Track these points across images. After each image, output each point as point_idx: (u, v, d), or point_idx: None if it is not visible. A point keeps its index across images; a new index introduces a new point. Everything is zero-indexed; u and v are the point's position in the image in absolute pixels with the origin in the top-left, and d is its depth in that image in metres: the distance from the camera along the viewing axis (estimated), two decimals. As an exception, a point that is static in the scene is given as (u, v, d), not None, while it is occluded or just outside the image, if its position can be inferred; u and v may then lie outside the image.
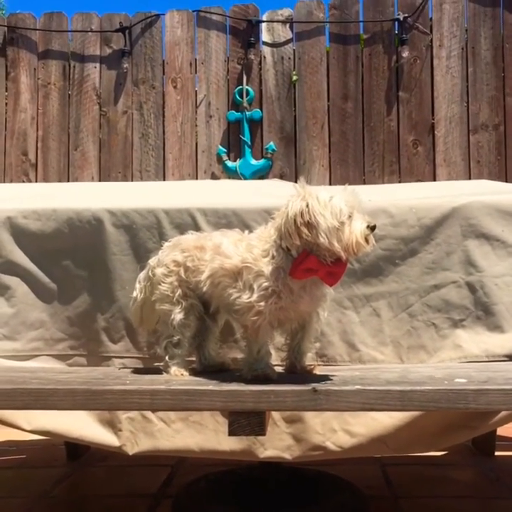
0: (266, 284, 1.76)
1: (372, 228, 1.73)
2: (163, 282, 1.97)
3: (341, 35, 4.48)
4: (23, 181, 4.56)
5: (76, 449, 3.07)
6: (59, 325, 2.31)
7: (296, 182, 4.32)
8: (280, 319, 1.82)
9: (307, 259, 1.73)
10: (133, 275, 2.21)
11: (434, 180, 4.32)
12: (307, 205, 1.72)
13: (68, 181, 4.56)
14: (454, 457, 2.97)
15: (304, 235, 1.71)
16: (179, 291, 1.95)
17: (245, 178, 4.40)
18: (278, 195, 2.15)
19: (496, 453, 2.98)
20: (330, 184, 4.40)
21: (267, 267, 1.77)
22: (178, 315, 1.93)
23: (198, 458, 2.34)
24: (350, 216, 1.71)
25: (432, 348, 2.19)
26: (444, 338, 2.19)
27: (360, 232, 1.71)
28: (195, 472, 2.66)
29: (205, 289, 1.91)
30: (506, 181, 4.24)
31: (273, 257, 1.77)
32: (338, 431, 2.14)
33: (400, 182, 4.35)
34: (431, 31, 4.40)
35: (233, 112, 4.51)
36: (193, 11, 4.61)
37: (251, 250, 1.82)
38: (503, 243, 2.21)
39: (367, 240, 1.73)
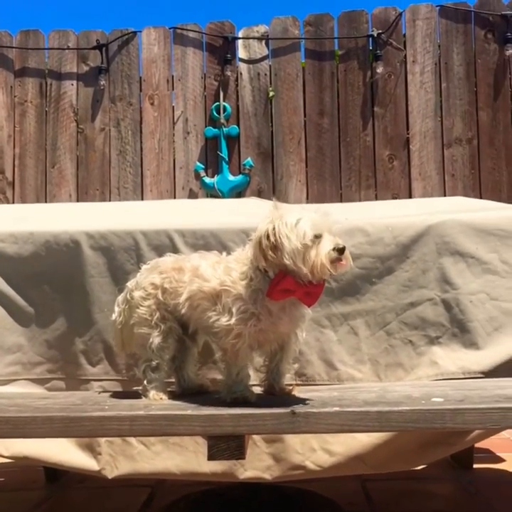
0: (244, 306, 1.77)
1: (339, 250, 1.71)
2: (141, 305, 1.97)
3: (316, 51, 4.53)
4: (0, 199, 4.54)
5: (54, 471, 3.04)
6: (37, 348, 2.29)
7: (273, 197, 4.40)
8: (260, 341, 1.83)
9: (284, 280, 1.74)
10: (111, 297, 2.21)
11: (410, 193, 4.37)
12: (274, 228, 1.73)
13: (46, 199, 4.55)
14: (433, 471, 2.98)
15: (269, 257, 1.73)
16: (157, 315, 1.95)
17: (223, 194, 4.41)
18: (256, 214, 2.16)
19: (474, 465, 3.00)
20: (307, 199, 4.44)
21: (245, 289, 1.78)
22: (156, 338, 1.92)
23: (178, 478, 2.33)
24: (318, 238, 1.72)
25: (409, 365, 2.21)
26: (421, 355, 2.21)
27: (325, 255, 1.70)
28: (175, 493, 2.65)
29: (183, 311, 1.92)
30: (480, 194, 4.31)
31: (251, 279, 1.78)
32: (317, 450, 2.14)
33: (376, 196, 4.40)
34: (404, 47, 4.46)
35: (210, 128, 4.53)
36: (170, 28, 4.64)
37: (229, 273, 1.83)
38: (478, 260, 2.24)
39: (336, 261, 1.72)
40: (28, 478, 3.16)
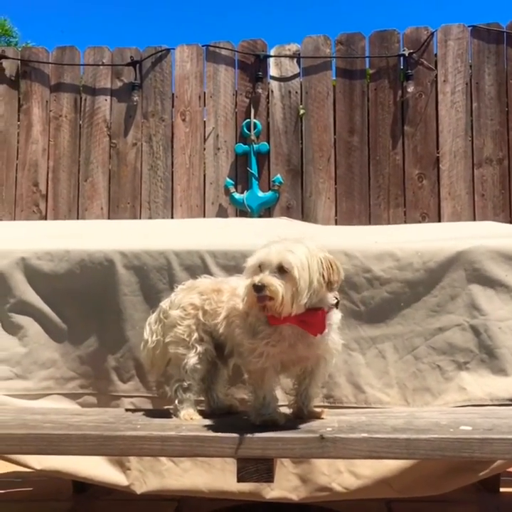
0: (262, 327, 1.82)
1: (256, 288, 1.72)
2: (180, 325, 2.01)
3: (347, 70, 4.55)
4: (34, 212, 4.63)
5: (82, 483, 3.09)
6: (70, 364, 2.35)
7: (302, 214, 4.43)
8: (283, 363, 1.87)
9: None
10: (143, 315, 2.26)
11: (439, 212, 4.36)
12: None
13: (78, 212, 4.62)
14: (458, 494, 2.95)
15: None
16: (196, 335, 1.99)
17: (252, 210, 4.45)
18: (285, 236, 2.19)
19: (501, 489, 2.97)
20: (335, 216, 4.45)
21: (261, 311, 1.82)
22: (191, 359, 1.96)
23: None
24: (259, 271, 1.75)
25: (436, 390, 2.22)
26: (449, 380, 2.22)
27: (244, 290, 1.77)
28: (201, 507, 2.67)
29: (221, 330, 1.97)
30: (510, 215, 4.29)
31: None
32: (343, 472, 2.17)
33: (405, 214, 4.40)
34: (436, 67, 4.46)
35: (241, 144, 4.57)
36: (203, 46, 4.69)
37: None
38: (507, 287, 2.25)
39: (257, 299, 1.73)
40: (56, 488, 3.20)
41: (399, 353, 2.26)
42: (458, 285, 2.26)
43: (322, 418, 1.94)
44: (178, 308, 2.02)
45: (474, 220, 4.28)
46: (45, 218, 4.64)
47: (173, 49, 4.72)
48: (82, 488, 3.11)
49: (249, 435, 1.70)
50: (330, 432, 1.71)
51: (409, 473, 2.10)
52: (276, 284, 1.71)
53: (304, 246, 1.78)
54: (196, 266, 2.31)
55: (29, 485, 3.27)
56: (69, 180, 4.69)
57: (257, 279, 1.72)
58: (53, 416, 2.04)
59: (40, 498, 3.10)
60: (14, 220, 4.59)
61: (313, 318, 1.78)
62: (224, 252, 2.33)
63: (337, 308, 1.85)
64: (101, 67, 4.73)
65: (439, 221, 4.33)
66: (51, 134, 4.73)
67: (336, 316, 1.86)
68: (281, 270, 1.73)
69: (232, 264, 2.30)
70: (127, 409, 2.25)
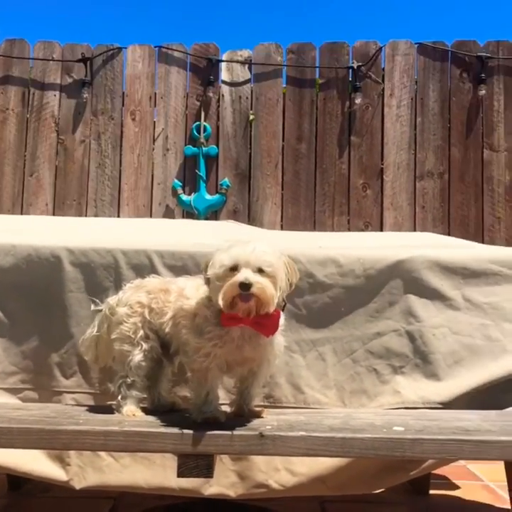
0: (210, 328, 1.85)
1: (243, 286, 1.73)
2: (126, 322, 2.03)
3: (298, 78, 4.64)
4: (-24, 205, 4.55)
5: (18, 480, 3.05)
6: (12, 359, 2.33)
7: (249, 218, 4.49)
8: (228, 363, 1.90)
9: None
10: (88, 312, 2.27)
11: (381, 222, 4.48)
12: (207, 261, 1.84)
13: (22, 207, 4.57)
14: (390, 495, 3.05)
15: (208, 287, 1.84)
16: (141, 333, 2.01)
17: (199, 212, 4.48)
18: (233, 238, 2.24)
19: (431, 491, 3.08)
20: (281, 221, 4.53)
21: (210, 312, 1.87)
22: (136, 356, 1.99)
23: (143, 492, 2.38)
24: (233, 271, 1.76)
25: (372, 392, 2.30)
26: (385, 383, 2.30)
27: (226, 289, 1.74)
28: (138, 505, 2.68)
29: (167, 329, 1.99)
30: (448, 227, 4.45)
31: (212, 304, 1.86)
32: (281, 470, 2.22)
33: (349, 223, 4.51)
34: (383, 80, 4.59)
35: (190, 146, 4.60)
36: (155, 47, 4.71)
37: (205, 295, 1.92)
38: (442, 296, 2.34)
39: (240, 297, 1.74)
40: (-10, 486, 3.15)
41: (338, 356, 2.33)
42: (396, 292, 2.35)
43: (262, 417, 1.99)
44: (125, 306, 2.04)
45: (414, 230, 4.42)
46: (-12, 212, 4.57)
47: (125, 48, 4.73)
48: (18, 485, 3.07)
49: (190, 431, 1.74)
50: (269, 430, 1.76)
51: (344, 472, 2.17)
52: (263, 282, 1.73)
53: (272, 248, 1.81)
54: (143, 265, 2.33)
55: (-38, 483, 3.21)
56: (14, 175, 4.63)
57: (242, 277, 1.72)
58: (-6, 410, 2.03)
59: (-26, 496, 3.05)
60: (-45, 213, 4.50)
61: (268, 320, 1.80)
62: (171, 252, 2.35)
63: (283, 310, 1.90)
64: (51, 62, 4.70)
65: (381, 230, 4.46)
66: (-3, 127, 4.66)
67: (281, 319, 1.90)
68: (260, 270, 1.75)
69: (179, 264, 2.34)
70: (69, 405, 2.26)
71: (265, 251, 1.78)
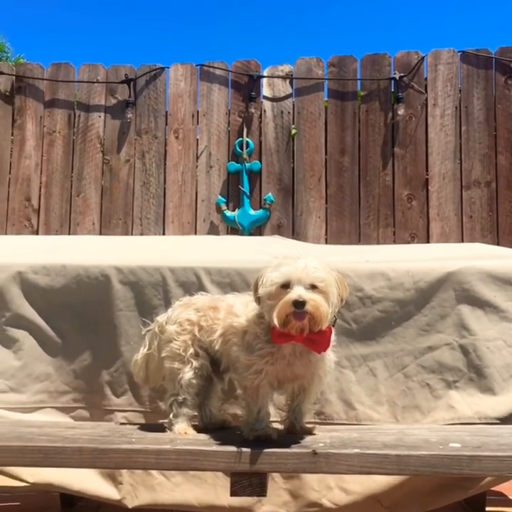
0: (261, 345, 1.84)
1: (296, 304, 1.70)
2: (175, 340, 2.04)
3: (339, 91, 4.62)
4: (25, 226, 4.64)
5: (71, 497, 3.08)
6: (64, 378, 2.37)
7: (293, 233, 4.48)
8: (279, 380, 1.89)
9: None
10: (138, 331, 2.29)
11: (428, 233, 4.41)
12: (257, 279, 1.82)
13: (70, 226, 4.64)
14: (445, 512, 2.99)
15: (258, 304, 1.83)
16: (191, 350, 2.02)
17: (243, 228, 4.49)
18: (279, 254, 2.23)
19: (487, 508, 3.00)
20: (326, 235, 4.50)
21: (261, 329, 1.85)
22: (187, 374, 1.99)
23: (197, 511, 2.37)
24: (284, 288, 1.74)
25: (426, 408, 2.26)
26: (438, 398, 2.26)
27: (279, 307, 1.72)
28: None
29: (217, 347, 1.99)
30: (497, 236, 4.36)
31: (266, 320, 1.85)
32: (333, 488, 2.19)
33: (394, 234, 4.45)
34: (426, 90, 4.54)
35: (233, 162, 4.61)
36: (197, 65, 4.75)
37: (254, 311, 1.91)
38: (495, 308, 2.29)
39: (293, 315, 1.71)
40: (44, 503, 3.18)
41: (389, 371, 2.29)
42: (447, 305, 2.31)
43: (314, 434, 1.97)
44: (175, 324, 2.05)
45: (462, 241, 4.34)
46: (37, 233, 4.65)
47: (168, 68, 4.77)
48: (71, 503, 3.10)
49: (242, 449, 1.73)
50: (322, 447, 1.74)
51: (398, 490, 2.13)
52: (317, 299, 1.72)
53: (324, 263, 1.79)
54: (191, 282, 2.35)
55: (17, 500, 3.25)
56: (61, 196, 4.70)
57: (295, 294, 1.70)
58: (48, 429, 2.05)
59: (27, 514, 3.08)
60: (6, 234, 4.60)
61: (320, 337, 1.78)
62: (219, 269, 2.36)
63: (333, 326, 1.88)
64: (95, 84, 4.77)
65: (428, 242, 4.39)
66: (44, 150, 4.75)
67: (332, 335, 1.88)
68: (313, 287, 1.74)
69: (226, 281, 2.34)
70: (121, 423, 2.27)
71: (316, 267, 1.76)
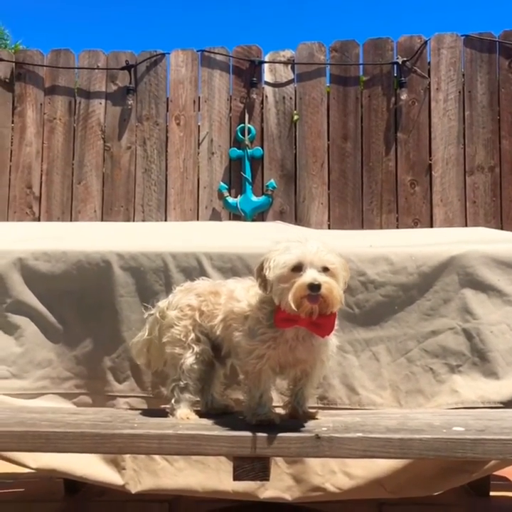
0: (262, 329, 1.83)
1: (312, 287, 1.68)
2: (176, 325, 2.03)
3: (341, 76, 4.59)
4: (27, 213, 4.63)
5: (74, 483, 3.08)
6: (66, 364, 2.36)
7: (295, 219, 4.46)
8: (281, 364, 1.88)
9: (280, 310, 1.77)
10: (139, 316, 2.28)
11: (431, 219, 4.40)
12: (262, 263, 1.79)
13: (71, 214, 4.63)
14: (448, 497, 2.97)
15: (262, 289, 1.80)
16: (192, 335, 2.01)
17: (246, 214, 4.47)
18: (281, 238, 2.21)
19: (491, 493, 3.00)
20: (328, 221, 4.48)
21: (263, 314, 1.84)
22: (188, 359, 1.98)
23: (198, 496, 2.37)
24: (296, 271, 1.71)
25: (429, 392, 2.25)
26: (441, 383, 2.25)
27: (294, 290, 1.69)
28: (193, 509, 2.68)
29: (218, 332, 1.99)
30: (501, 221, 4.34)
31: (266, 305, 1.84)
32: (337, 472, 2.19)
33: (397, 220, 4.44)
34: (429, 75, 4.51)
35: (235, 149, 4.59)
36: (198, 51, 4.72)
37: (256, 296, 1.90)
38: (499, 292, 2.28)
39: (309, 298, 1.69)
40: (48, 489, 3.19)
41: (392, 356, 2.28)
42: (451, 289, 2.29)
43: (317, 418, 1.96)
44: (176, 309, 2.04)
45: (466, 226, 4.32)
46: (38, 220, 4.65)
47: (168, 54, 4.74)
48: (74, 489, 3.11)
49: (245, 434, 1.72)
50: (325, 431, 1.73)
51: (402, 474, 2.13)
52: (331, 282, 1.70)
53: (328, 247, 1.77)
54: (192, 268, 2.33)
55: (21, 486, 3.26)
56: (62, 183, 4.70)
57: (310, 277, 1.68)
58: (50, 414, 2.05)
59: (31, 499, 3.09)
60: (7, 221, 4.59)
61: (325, 321, 1.77)
62: (220, 254, 2.35)
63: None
64: (96, 70, 4.75)
65: (431, 227, 4.37)
66: (45, 137, 4.74)
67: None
68: (325, 269, 1.72)
69: (228, 266, 2.33)
70: (123, 409, 2.27)
71: (327, 249, 1.75)
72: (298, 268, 1.72)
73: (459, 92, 4.48)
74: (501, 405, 2.17)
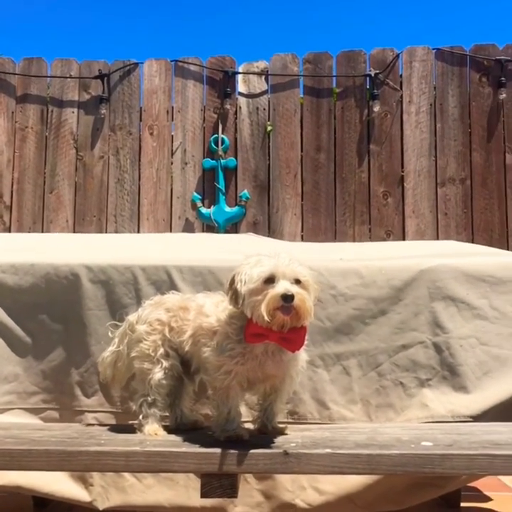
0: (231, 345, 1.81)
1: (285, 298, 1.68)
2: (145, 340, 2.00)
3: (315, 88, 4.62)
4: (-3, 223, 4.57)
5: (43, 498, 3.04)
6: (33, 378, 2.32)
7: (269, 230, 4.46)
8: (249, 380, 1.86)
9: (251, 324, 1.77)
10: (108, 330, 2.24)
11: (404, 230, 4.43)
12: (233, 277, 1.78)
13: (43, 224, 4.59)
14: (420, 509, 2.99)
15: (233, 304, 1.79)
16: (161, 350, 1.99)
17: (219, 225, 4.46)
18: (252, 252, 2.20)
19: (462, 504, 3.01)
20: (302, 232, 4.49)
21: (232, 329, 1.83)
22: (156, 374, 1.96)
23: (168, 512, 2.34)
24: (268, 283, 1.71)
25: (399, 406, 2.25)
26: (412, 397, 2.25)
27: (267, 302, 1.68)
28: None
29: (187, 348, 1.96)
30: (472, 233, 4.38)
31: (234, 321, 1.83)
32: (307, 488, 2.17)
33: (370, 231, 4.46)
34: (401, 87, 4.55)
35: (208, 159, 4.59)
36: (171, 61, 4.71)
37: (224, 312, 1.88)
38: (468, 305, 2.29)
39: (282, 309, 1.69)
40: (16, 504, 3.13)
41: (363, 370, 2.28)
42: (421, 303, 2.30)
43: (286, 434, 1.95)
44: (145, 324, 2.02)
45: (437, 238, 4.36)
46: (9, 230, 4.60)
47: (142, 63, 4.74)
48: (43, 503, 3.05)
49: (213, 450, 1.71)
50: (294, 447, 1.72)
51: (372, 489, 2.12)
52: (304, 294, 1.70)
53: (301, 261, 1.78)
54: (162, 281, 2.31)
55: (-12, 501, 3.21)
56: (34, 192, 4.65)
57: (283, 288, 1.68)
58: (15, 431, 2.01)
59: (-1, 514, 3.04)
60: (-23, 231, 4.53)
61: (295, 335, 1.76)
62: (190, 267, 2.33)
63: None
64: (68, 79, 4.72)
65: (404, 238, 4.40)
66: (17, 145, 4.70)
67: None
68: (297, 281, 1.72)
69: (198, 279, 2.31)
70: (91, 425, 2.23)
71: (299, 262, 1.75)
72: (270, 280, 1.72)
73: (431, 104, 4.52)
74: (471, 419, 2.17)
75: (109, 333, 2.18)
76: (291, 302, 1.68)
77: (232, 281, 1.79)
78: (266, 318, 1.68)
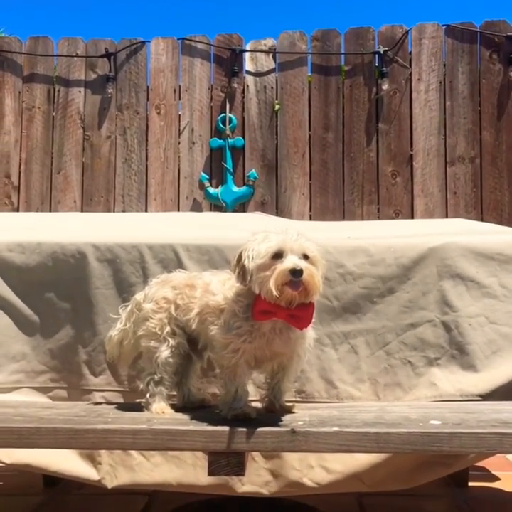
0: (238, 323, 1.80)
1: (294, 272, 1.66)
2: (152, 318, 2.00)
3: (323, 66, 4.56)
4: (5, 203, 4.57)
5: (53, 477, 3.06)
6: (41, 357, 2.33)
7: (277, 210, 4.44)
8: (257, 358, 1.86)
9: (259, 301, 1.76)
10: (115, 309, 2.24)
11: (412, 210, 4.39)
12: (241, 253, 1.77)
13: (50, 204, 4.58)
14: (428, 488, 2.98)
15: (240, 281, 1.77)
16: (168, 329, 1.98)
17: (227, 205, 4.44)
18: (259, 230, 2.19)
19: (470, 483, 3.01)
20: (310, 212, 4.47)
21: (239, 307, 1.82)
22: (163, 353, 1.95)
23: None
24: (276, 258, 1.70)
25: (407, 385, 2.24)
26: (420, 376, 2.24)
27: (275, 277, 1.67)
28: (172, 502, 2.67)
29: (194, 326, 1.96)
30: (481, 212, 4.35)
31: (242, 298, 1.82)
32: (315, 467, 2.17)
33: (378, 211, 4.43)
34: (410, 65, 4.49)
35: (216, 139, 4.56)
36: (178, 39, 4.67)
37: (231, 289, 1.87)
38: (477, 284, 2.27)
39: (290, 284, 1.68)
40: (26, 482, 3.17)
41: (371, 349, 2.27)
42: (430, 281, 2.28)
43: (293, 412, 1.94)
44: (151, 302, 2.01)
45: (446, 217, 4.33)
46: (18, 210, 4.59)
47: (149, 41, 4.69)
48: (53, 482, 3.09)
49: (220, 429, 1.70)
50: (301, 425, 1.71)
51: (380, 468, 2.12)
52: (312, 269, 1.69)
53: (309, 237, 1.76)
54: (169, 259, 2.30)
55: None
56: (42, 173, 4.64)
57: (291, 263, 1.67)
58: (23, 409, 2.01)
59: (10, 493, 3.07)
60: (-15, 212, 4.53)
61: (303, 312, 1.75)
62: (197, 246, 2.32)
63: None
64: (75, 58, 4.69)
65: (412, 218, 4.37)
66: (24, 125, 4.68)
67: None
68: (305, 256, 1.71)
69: (205, 258, 2.30)
70: (98, 403, 2.24)
71: (306, 238, 1.74)
72: (278, 255, 1.71)
73: (440, 82, 4.46)
74: (480, 398, 2.16)
75: (119, 310, 2.17)
76: (299, 277, 1.67)
77: (240, 258, 1.77)
78: (274, 293, 1.67)
